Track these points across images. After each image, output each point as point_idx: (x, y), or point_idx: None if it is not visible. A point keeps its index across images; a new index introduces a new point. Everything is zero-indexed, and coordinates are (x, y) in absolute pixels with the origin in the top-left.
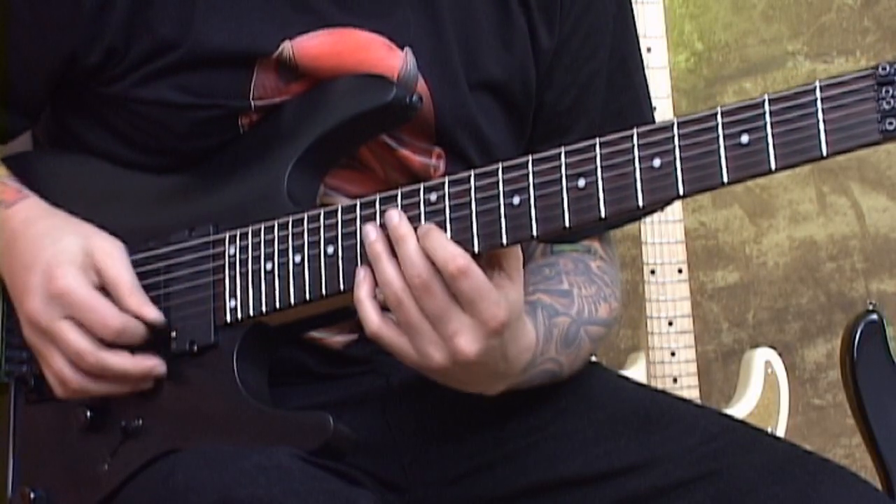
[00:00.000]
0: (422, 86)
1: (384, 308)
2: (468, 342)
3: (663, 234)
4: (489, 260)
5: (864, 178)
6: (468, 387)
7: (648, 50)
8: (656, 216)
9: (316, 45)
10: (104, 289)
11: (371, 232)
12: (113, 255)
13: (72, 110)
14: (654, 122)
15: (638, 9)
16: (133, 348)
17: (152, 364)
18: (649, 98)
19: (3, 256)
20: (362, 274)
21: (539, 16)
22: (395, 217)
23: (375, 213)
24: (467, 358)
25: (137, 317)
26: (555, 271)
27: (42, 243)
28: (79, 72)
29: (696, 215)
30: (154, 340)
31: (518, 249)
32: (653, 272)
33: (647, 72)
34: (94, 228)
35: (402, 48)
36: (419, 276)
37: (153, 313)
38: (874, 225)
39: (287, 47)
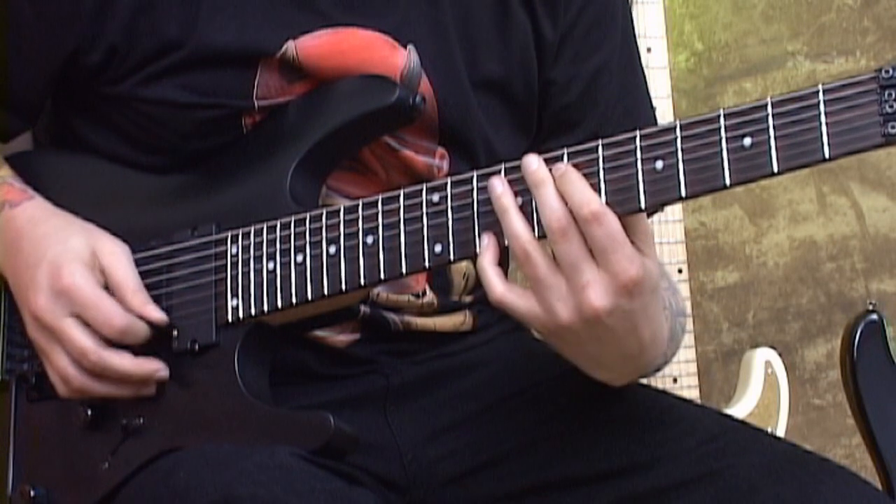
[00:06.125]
0: (425, 83)
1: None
2: (598, 296)
3: (663, 234)
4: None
5: (864, 178)
6: (598, 366)
7: (648, 50)
8: (656, 216)
9: (319, 45)
10: (108, 289)
11: (497, 185)
12: (117, 256)
13: (75, 110)
14: (656, 122)
15: (638, 9)
16: (136, 351)
17: (154, 367)
18: (650, 97)
19: (7, 255)
20: (486, 241)
21: (542, 9)
22: (534, 163)
23: (378, 213)
24: (595, 312)
25: (140, 317)
26: None
27: (48, 242)
28: (81, 71)
29: (696, 215)
30: (156, 339)
31: (646, 222)
32: None
33: (647, 72)
34: (98, 229)
35: (404, 46)
36: (558, 221)
37: (156, 314)
38: (874, 225)
39: (290, 47)
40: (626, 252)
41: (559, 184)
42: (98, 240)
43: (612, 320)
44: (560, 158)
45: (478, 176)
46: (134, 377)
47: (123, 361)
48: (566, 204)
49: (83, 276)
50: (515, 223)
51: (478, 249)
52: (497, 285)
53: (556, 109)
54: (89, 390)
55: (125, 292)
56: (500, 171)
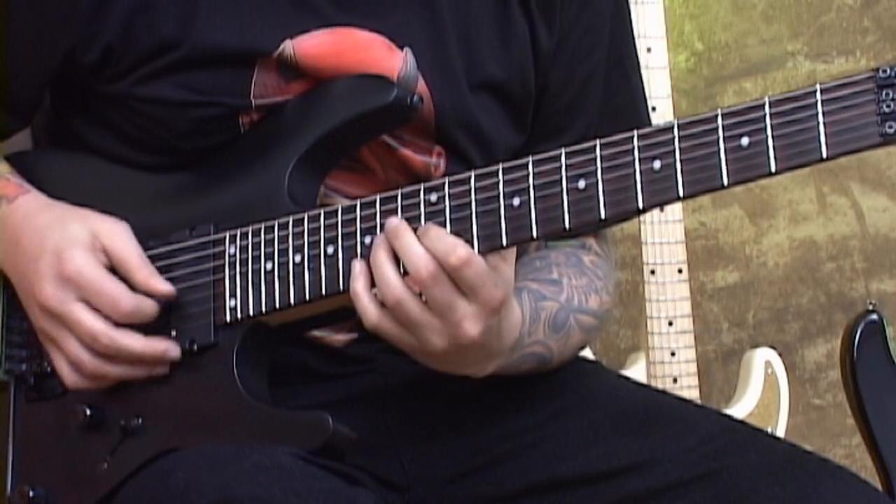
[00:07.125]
0: (422, 85)
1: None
2: (472, 326)
3: (663, 234)
4: None
5: (864, 178)
6: (461, 369)
7: (648, 50)
8: (656, 216)
9: (316, 45)
10: (113, 270)
11: (378, 238)
12: (118, 234)
13: (73, 110)
14: (650, 122)
15: (638, 9)
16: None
17: (165, 347)
18: (645, 98)
19: (6, 252)
20: (358, 268)
21: (539, 15)
22: (394, 219)
23: (376, 213)
24: (472, 340)
25: (147, 291)
26: (545, 263)
27: (48, 232)
28: (78, 70)
29: (696, 215)
30: (156, 332)
31: None
32: (653, 272)
33: (646, 72)
34: (95, 213)
35: (402, 48)
36: (426, 268)
37: (162, 287)
38: (874, 225)
39: (288, 46)
40: (493, 281)
41: (422, 238)
42: (96, 222)
43: (484, 338)
44: (557, 158)
45: (476, 176)
46: (146, 357)
47: (135, 341)
48: (430, 252)
49: (86, 261)
50: (387, 271)
51: (356, 273)
52: (371, 313)
53: (547, 114)
54: (103, 374)
55: (129, 268)
56: (497, 171)
